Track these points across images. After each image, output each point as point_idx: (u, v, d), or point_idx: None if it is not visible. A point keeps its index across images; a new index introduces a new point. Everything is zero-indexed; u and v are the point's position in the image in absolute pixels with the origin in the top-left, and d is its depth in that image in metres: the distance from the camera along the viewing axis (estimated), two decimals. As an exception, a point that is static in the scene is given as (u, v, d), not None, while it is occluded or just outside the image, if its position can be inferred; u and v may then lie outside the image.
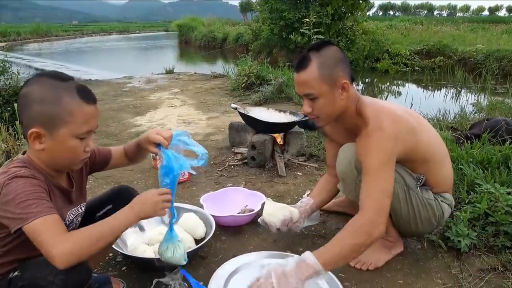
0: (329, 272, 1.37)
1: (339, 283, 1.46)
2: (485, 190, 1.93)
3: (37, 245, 1.01)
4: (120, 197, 1.48)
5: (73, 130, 1.10)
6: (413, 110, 1.74)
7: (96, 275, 1.50)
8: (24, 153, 1.19)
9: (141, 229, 1.88)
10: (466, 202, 1.99)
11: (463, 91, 6.50)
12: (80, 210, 1.30)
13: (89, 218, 1.38)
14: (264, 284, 1.23)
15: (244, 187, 2.43)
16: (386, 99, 6.16)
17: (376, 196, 1.38)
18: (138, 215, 1.17)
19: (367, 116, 1.46)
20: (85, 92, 1.13)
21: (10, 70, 6.04)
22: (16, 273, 1.07)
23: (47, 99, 1.08)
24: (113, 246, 1.62)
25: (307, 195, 2.25)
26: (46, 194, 1.09)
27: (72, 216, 1.26)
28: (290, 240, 1.89)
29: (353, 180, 1.57)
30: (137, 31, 46.42)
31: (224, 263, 1.59)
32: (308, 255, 1.29)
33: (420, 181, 1.56)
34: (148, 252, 1.68)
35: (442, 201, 1.61)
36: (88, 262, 1.11)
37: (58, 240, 1.01)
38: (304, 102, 1.50)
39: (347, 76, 1.46)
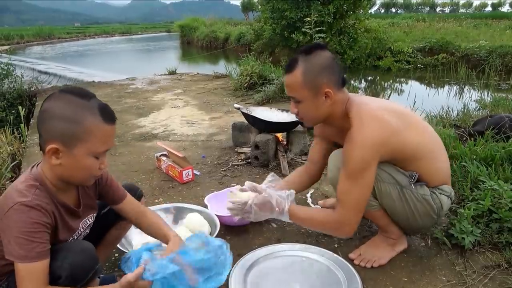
0: (349, 265, 1.58)
1: (358, 277, 1.52)
2: (488, 187, 1.93)
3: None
4: None
5: (91, 149, 1.11)
6: (403, 107, 1.70)
7: (102, 275, 1.52)
8: (38, 163, 1.19)
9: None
10: (470, 199, 1.99)
11: (466, 88, 6.48)
12: (88, 221, 1.32)
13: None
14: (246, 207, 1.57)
15: (247, 186, 2.44)
16: (389, 97, 6.15)
17: (352, 196, 1.46)
18: None
19: (351, 121, 1.48)
20: (107, 112, 1.13)
21: (14, 73, 6.07)
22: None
23: (69, 118, 1.08)
24: (119, 246, 1.64)
25: (310, 196, 2.26)
26: (44, 232, 1.09)
27: (82, 229, 1.29)
28: (294, 239, 1.90)
29: None
30: (140, 33, 46.51)
31: (246, 254, 1.68)
32: (286, 206, 1.57)
33: (413, 178, 1.55)
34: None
35: (440, 193, 1.60)
36: (94, 250, 1.19)
37: None
38: (291, 103, 1.57)
39: (332, 84, 1.48)
